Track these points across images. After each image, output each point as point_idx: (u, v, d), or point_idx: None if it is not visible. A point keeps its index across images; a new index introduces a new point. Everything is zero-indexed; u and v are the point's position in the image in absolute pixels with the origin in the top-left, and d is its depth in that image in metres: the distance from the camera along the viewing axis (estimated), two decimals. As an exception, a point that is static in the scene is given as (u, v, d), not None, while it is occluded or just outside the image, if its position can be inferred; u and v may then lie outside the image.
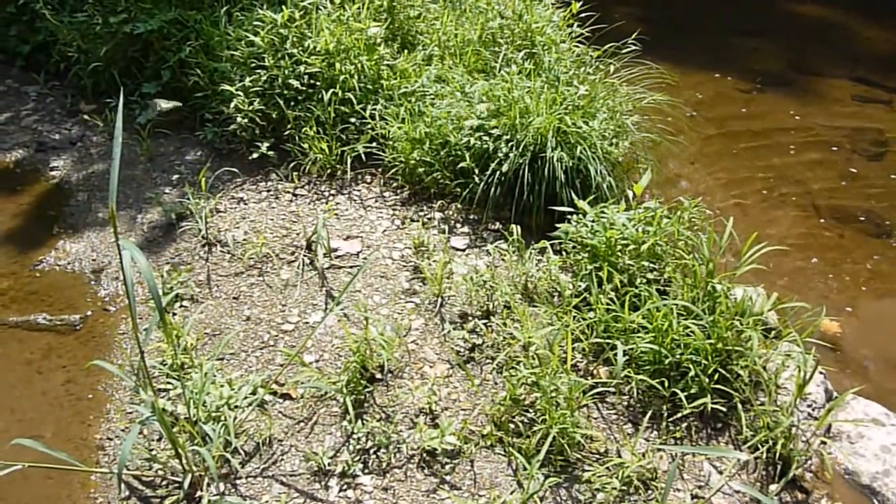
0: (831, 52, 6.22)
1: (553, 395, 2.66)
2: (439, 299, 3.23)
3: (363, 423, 2.71)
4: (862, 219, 4.29)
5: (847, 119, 5.27)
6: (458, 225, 3.65)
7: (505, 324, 3.07)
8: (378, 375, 2.90)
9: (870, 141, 5.01)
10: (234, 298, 3.30)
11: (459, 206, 3.71)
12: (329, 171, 3.94)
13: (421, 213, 3.71)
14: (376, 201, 3.80)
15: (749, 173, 4.67)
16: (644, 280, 3.13)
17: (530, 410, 2.74)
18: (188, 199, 3.76)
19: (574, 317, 3.06)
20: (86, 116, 4.56)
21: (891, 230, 4.21)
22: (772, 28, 6.66)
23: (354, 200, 3.80)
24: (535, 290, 3.26)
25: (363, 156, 3.93)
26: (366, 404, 2.80)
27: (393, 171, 3.88)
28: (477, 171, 3.65)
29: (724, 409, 2.79)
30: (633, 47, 4.15)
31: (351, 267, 3.41)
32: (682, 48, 6.02)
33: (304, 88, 4.03)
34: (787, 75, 5.87)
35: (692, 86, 5.56)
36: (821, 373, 3.04)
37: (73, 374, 2.98)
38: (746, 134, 5.10)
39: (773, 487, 2.63)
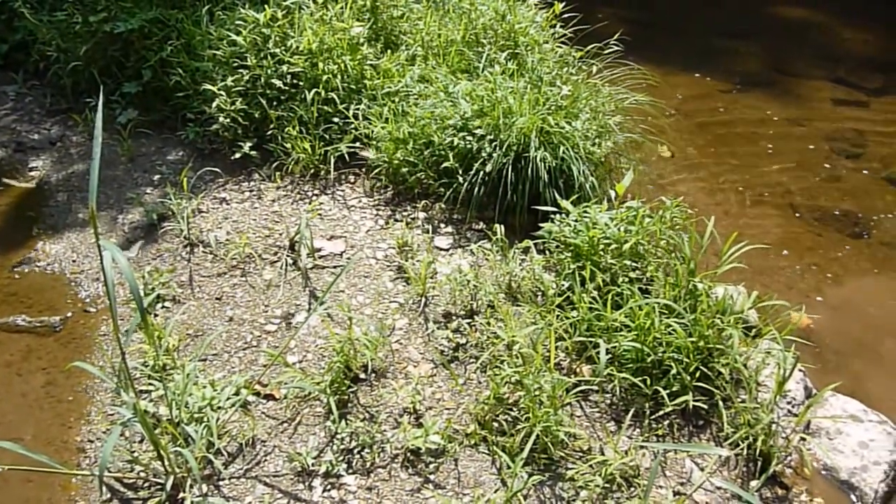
0: (811, 53, 6.29)
1: (536, 393, 2.67)
2: (423, 299, 3.23)
3: (347, 423, 2.71)
4: (839, 217, 4.34)
5: (826, 119, 5.33)
6: (442, 225, 3.65)
7: (489, 323, 3.08)
8: (362, 375, 2.90)
9: (848, 141, 5.07)
10: (216, 299, 3.28)
11: (443, 205, 3.71)
12: (312, 171, 3.93)
13: (405, 213, 3.71)
14: (360, 201, 3.80)
15: (729, 173, 4.71)
16: (626, 279, 3.15)
17: (514, 409, 2.75)
18: (170, 199, 3.73)
19: (557, 316, 3.07)
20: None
21: (867, 228, 4.26)
22: (752, 29, 6.72)
23: (338, 200, 3.79)
24: (519, 290, 3.27)
25: (346, 156, 3.93)
26: (350, 404, 2.80)
27: (376, 171, 3.87)
28: (461, 171, 3.65)
29: (705, 407, 2.82)
30: (616, 48, 4.17)
31: (334, 267, 3.41)
32: (664, 49, 6.06)
33: (286, 88, 4.01)
34: (767, 76, 5.93)
35: (674, 86, 5.60)
36: (800, 370, 3.08)
37: (53, 376, 2.95)
38: (727, 134, 5.15)
39: (754, 483, 2.66)
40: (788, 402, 2.94)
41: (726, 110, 5.44)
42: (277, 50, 4.04)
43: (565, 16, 4.48)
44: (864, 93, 5.67)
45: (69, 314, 3.25)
